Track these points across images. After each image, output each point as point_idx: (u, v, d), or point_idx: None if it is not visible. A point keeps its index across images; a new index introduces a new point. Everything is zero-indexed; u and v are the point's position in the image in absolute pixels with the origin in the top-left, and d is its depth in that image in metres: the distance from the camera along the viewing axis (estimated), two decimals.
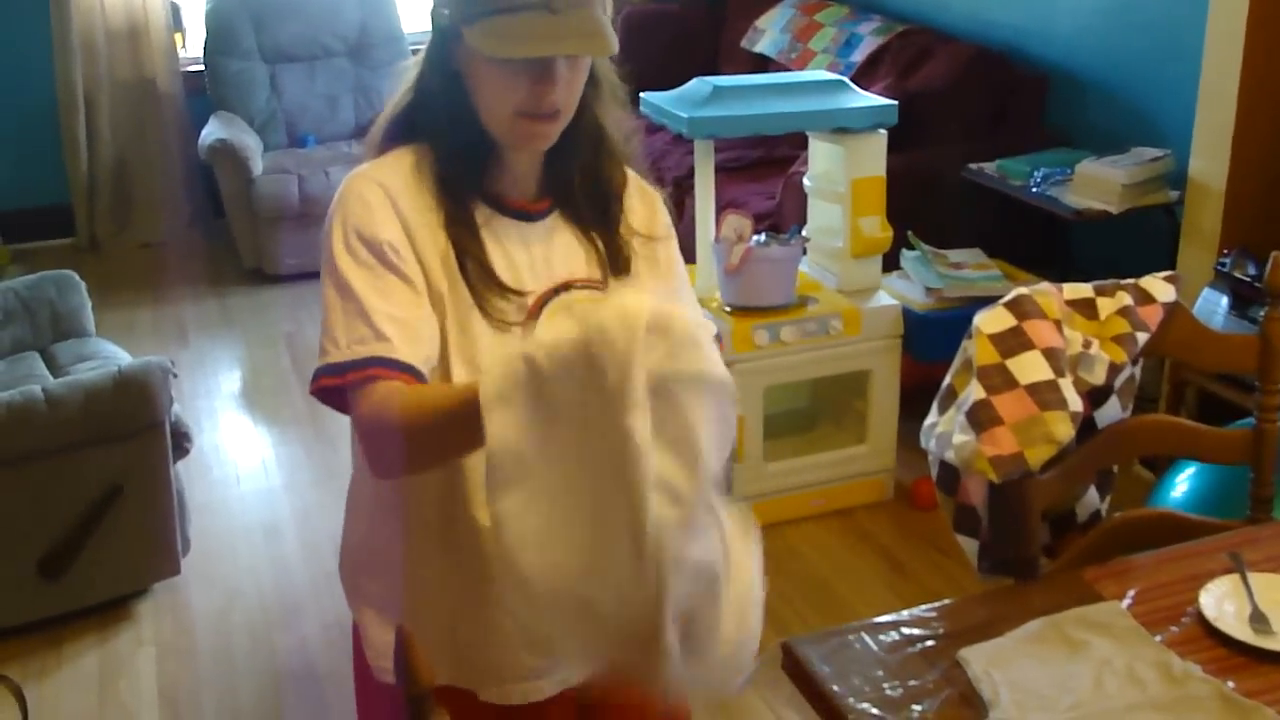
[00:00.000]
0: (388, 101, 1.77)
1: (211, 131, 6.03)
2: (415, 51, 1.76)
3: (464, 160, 1.68)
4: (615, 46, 1.62)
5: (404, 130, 1.73)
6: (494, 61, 1.59)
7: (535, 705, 1.81)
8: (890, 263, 4.06)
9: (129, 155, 6.53)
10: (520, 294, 1.69)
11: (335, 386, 1.59)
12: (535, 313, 1.69)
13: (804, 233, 3.84)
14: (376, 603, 1.83)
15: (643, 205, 1.83)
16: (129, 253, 6.55)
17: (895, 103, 3.82)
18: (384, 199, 1.65)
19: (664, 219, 1.85)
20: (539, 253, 1.72)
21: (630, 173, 1.83)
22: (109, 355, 3.82)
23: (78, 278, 4.18)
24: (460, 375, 1.66)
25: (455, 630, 1.76)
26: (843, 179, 3.81)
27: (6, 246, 6.10)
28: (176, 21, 6.66)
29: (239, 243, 6.15)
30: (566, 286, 1.73)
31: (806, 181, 4.02)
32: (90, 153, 6.43)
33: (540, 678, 1.79)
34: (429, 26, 1.70)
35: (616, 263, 1.78)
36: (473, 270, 1.66)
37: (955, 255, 4.13)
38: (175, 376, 3.42)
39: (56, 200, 6.51)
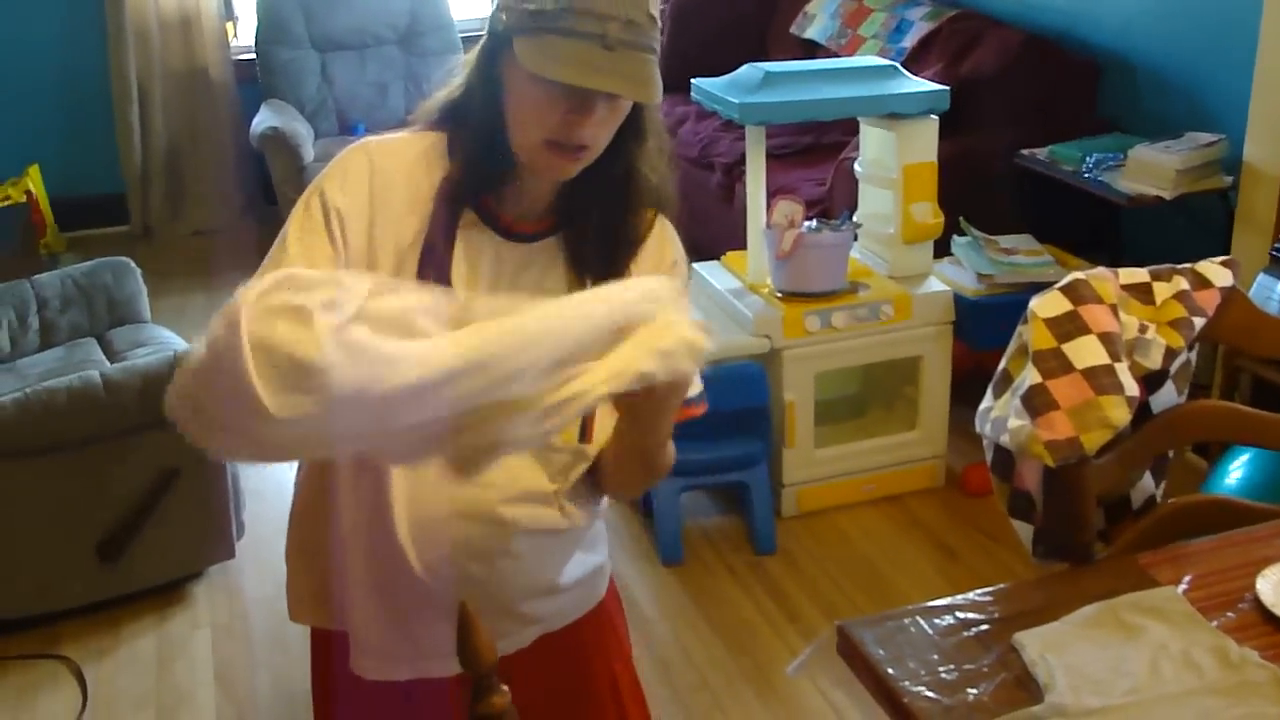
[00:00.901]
0: (438, 89, 1.75)
1: (263, 120, 6.07)
2: (465, 40, 1.73)
3: (477, 169, 1.64)
4: (659, 96, 1.58)
5: (440, 120, 1.71)
6: (535, 80, 1.53)
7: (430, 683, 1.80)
8: (941, 249, 4.05)
9: (182, 143, 6.59)
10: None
11: None
12: None
13: (855, 218, 3.84)
14: (302, 550, 1.91)
15: (655, 254, 1.75)
16: (182, 240, 6.61)
17: (947, 88, 3.81)
18: (364, 173, 1.63)
19: (670, 269, 1.76)
20: (508, 274, 1.67)
21: (659, 227, 1.76)
22: (165, 341, 3.86)
23: (133, 264, 4.22)
24: None
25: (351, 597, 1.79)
26: (894, 164, 3.80)
27: (62, 234, 6.16)
28: (228, 10, 6.72)
29: None
30: None
31: (858, 167, 4.01)
32: (144, 141, 6.49)
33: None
34: (486, 27, 1.67)
35: None
36: (430, 276, 1.61)
37: (1006, 241, 4.11)
38: None
39: (110, 189, 6.57)
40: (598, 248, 1.69)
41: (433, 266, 1.61)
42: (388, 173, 1.64)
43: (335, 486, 1.70)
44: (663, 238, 1.76)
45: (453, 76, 1.72)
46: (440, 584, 1.69)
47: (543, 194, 1.67)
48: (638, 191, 1.69)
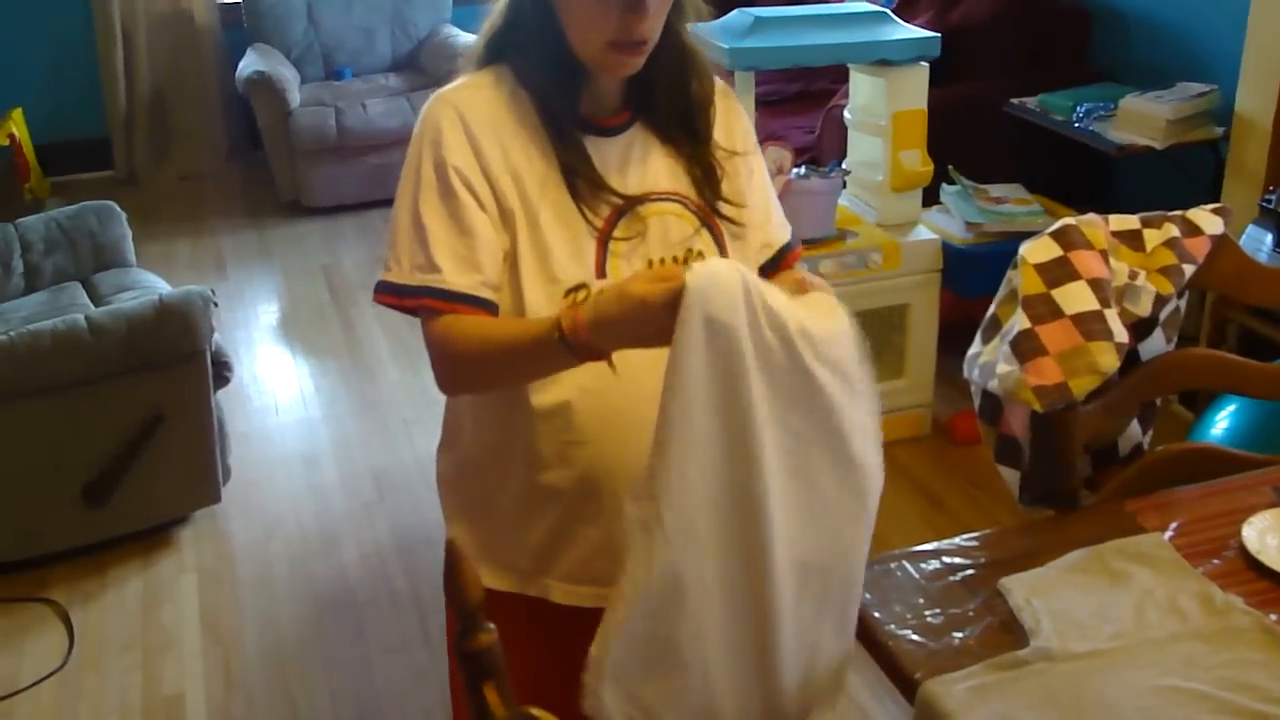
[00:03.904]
0: (484, 20, 1.80)
1: (248, 64, 6.03)
2: None
3: (555, 86, 1.71)
4: None
5: (497, 50, 1.77)
6: None
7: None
8: (930, 197, 4.03)
9: (166, 88, 6.54)
10: (621, 196, 1.74)
11: (396, 306, 1.70)
12: (609, 227, 1.72)
13: (844, 166, 3.82)
14: (463, 515, 1.90)
15: (724, 118, 1.86)
16: (167, 185, 6.57)
17: (938, 34, 3.78)
18: (456, 123, 1.69)
19: (743, 132, 1.88)
20: (614, 164, 1.75)
21: (721, 85, 1.86)
22: (149, 285, 3.84)
23: (118, 208, 4.20)
24: (533, 292, 1.69)
25: (535, 537, 1.80)
26: (884, 112, 3.78)
27: (46, 179, 6.12)
28: None
29: (276, 175, 6.16)
30: (641, 199, 1.75)
31: (847, 114, 3.99)
32: (128, 86, 6.44)
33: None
34: None
35: (705, 177, 1.81)
36: (582, 187, 1.71)
37: (996, 190, 4.10)
38: (216, 306, 3.43)
39: (95, 133, 6.53)
40: (675, 123, 1.80)
41: (582, 180, 1.71)
42: (477, 116, 1.70)
43: (519, 431, 1.74)
44: (728, 108, 1.87)
45: (496, 4, 1.77)
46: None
47: (615, 89, 1.76)
48: (694, 62, 1.80)
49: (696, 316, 1.39)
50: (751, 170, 1.88)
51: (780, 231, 1.92)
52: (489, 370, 1.67)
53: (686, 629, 1.48)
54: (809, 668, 1.62)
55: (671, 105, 1.79)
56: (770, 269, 1.88)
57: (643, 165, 1.77)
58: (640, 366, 1.58)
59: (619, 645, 1.47)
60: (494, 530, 1.84)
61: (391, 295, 1.70)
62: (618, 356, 1.57)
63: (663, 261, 1.73)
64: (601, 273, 1.70)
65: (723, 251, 1.77)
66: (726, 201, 1.80)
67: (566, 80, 1.71)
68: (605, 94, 1.75)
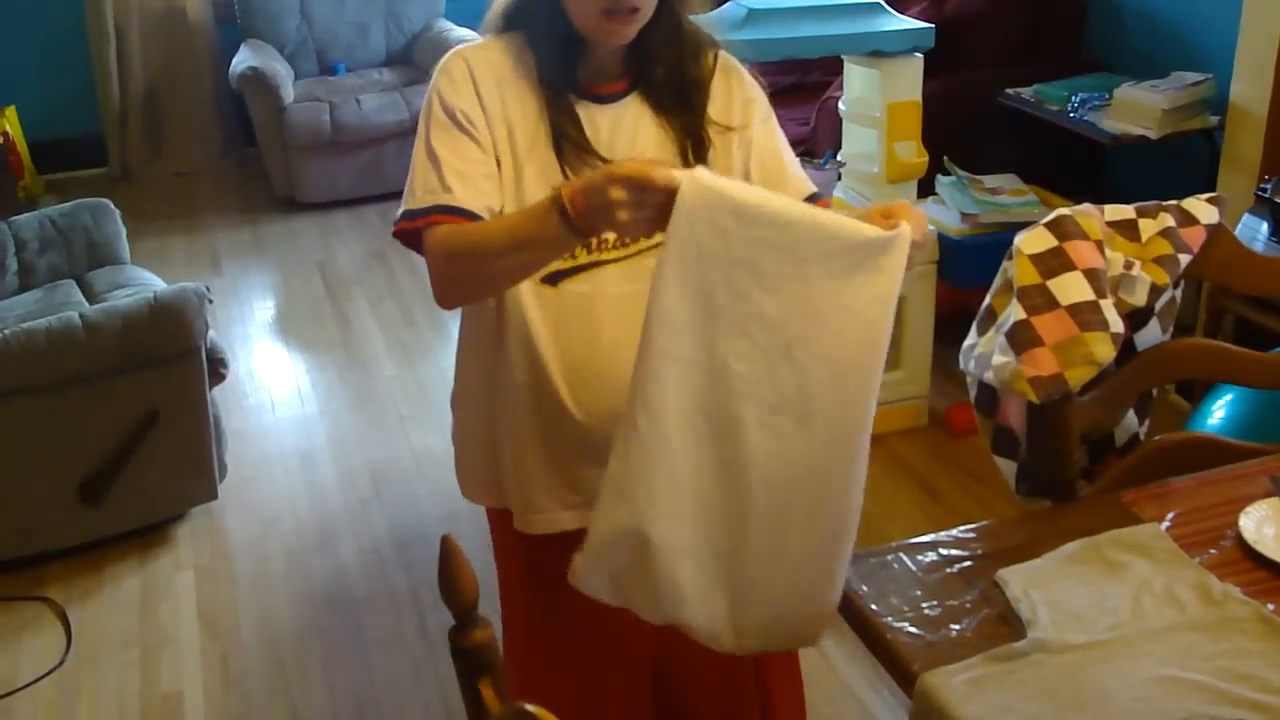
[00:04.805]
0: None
1: (242, 60, 6.01)
2: None
3: (556, 52, 1.84)
4: None
5: (509, 20, 1.90)
6: None
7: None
8: (925, 188, 4.03)
9: (160, 84, 6.53)
10: (605, 161, 1.83)
11: (410, 229, 1.81)
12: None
13: (839, 158, 3.81)
14: (458, 439, 2.12)
15: (722, 92, 1.94)
16: (161, 182, 6.56)
17: (932, 26, 3.77)
18: (466, 74, 1.84)
19: (743, 104, 1.95)
20: (604, 130, 1.87)
21: (724, 61, 1.96)
22: (144, 282, 3.84)
23: (112, 206, 4.19)
24: None
25: (514, 461, 1.97)
26: (878, 103, 3.77)
27: (40, 177, 6.11)
28: None
29: (270, 171, 6.15)
30: None
31: (841, 106, 3.98)
32: (121, 82, 6.43)
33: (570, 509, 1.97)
34: None
35: (695, 148, 1.90)
36: (568, 149, 1.83)
37: (991, 181, 4.10)
38: (211, 302, 3.43)
39: (88, 130, 6.52)
40: (671, 95, 1.90)
41: (569, 143, 1.84)
42: (485, 71, 1.85)
43: (499, 354, 1.91)
44: (729, 84, 1.95)
45: None
46: (597, 425, 1.85)
47: (612, 59, 1.87)
48: (690, 38, 1.91)
49: (684, 222, 1.50)
50: (750, 142, 1.94)
51: (799, 188, 1.98)
52: (483, 260, 1.74)
53: (659, 529, 1.60)
54: (787, 600, 1.70)
55: (667, 78, 1.88)
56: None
57: (633, 133, 1.88)
58: (621, 341, 1.73)
59: (602, 532, 1.62)
60: (478, 453, 2.04)
61: (406, 221, 1.81)
62: (598, 328, 1.77)
63: None
64: None
65: None
66: None
67: (565, 49, 1.83)
68: (603, 64, 1.86)
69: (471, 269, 1.75)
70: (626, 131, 1.87)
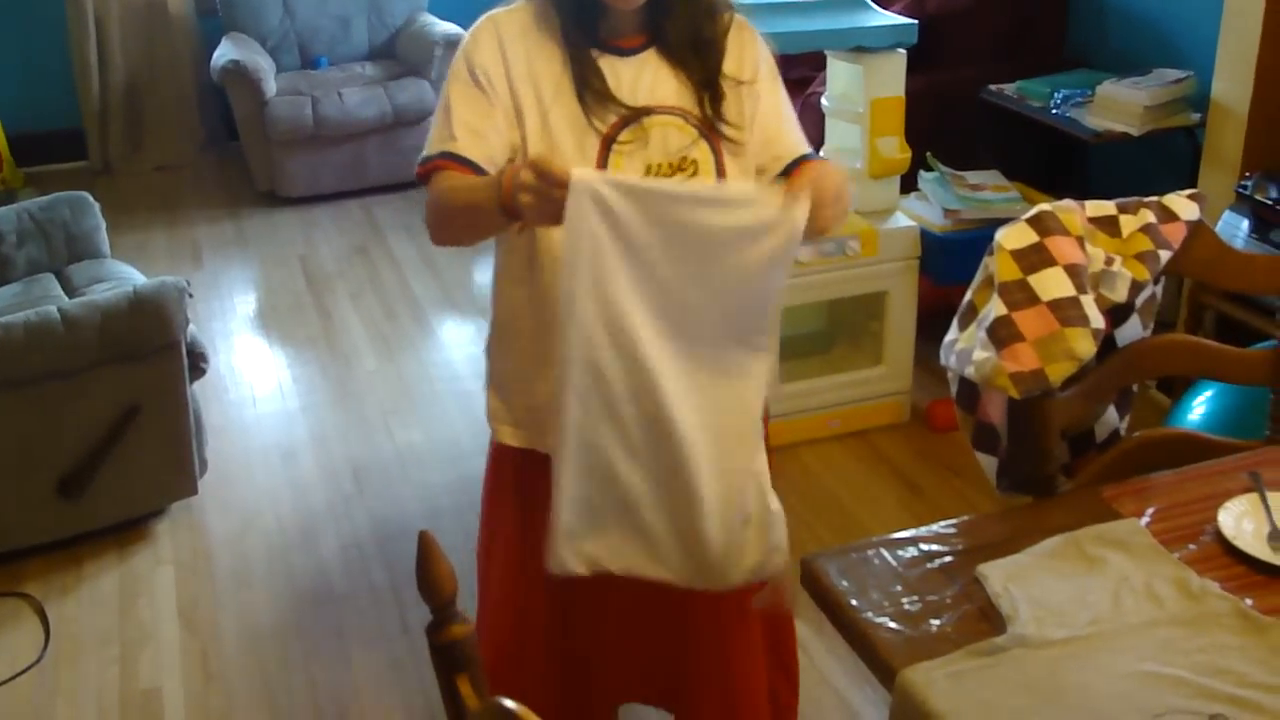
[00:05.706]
0: None
1: (224, 53, 5.98)
2: None
3: (576, 13, 1.96)
4: None
5: None
6: None
7: None
8: (908, 184, 4.03)
9: (141, 77, 6.50)
10: (627, 108, 1.97)
11: (423, 173, 1.98)
12: (614, 132, 1.95)
13: (821, 153, 3.81)
14: (491, 381, 2.21)
15: (735, 49, 2.04)
16: (142, 175, 6.53)
17: (915, 22, 3.78)
18: (492, 35, 1.98)
19: (753, 61, 2.06)
20: (626, 80, 1.98)
21: (739, 21, 2.07)
22: (124, 276, 3.82)
23: (92, 199, 4.16)
24: None
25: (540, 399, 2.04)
26: (861, 99, 3.77)
27: (19, 170, 6.08)
28: None
29: (252, 165, 6.13)
30: (647, 111, 1.96)
31: (825, 102, 3.98)
32: (102, 75, 6.39)
33: None
34: None
35: (711, 98, 2.00)
36: (590, 97, 1.95)
37: (974, 177, 4.10)
38: (191, 297, 3.41)
39: (68, 123, 6.48)
40: (686, 51, 2.00)
41: (591, 92, 1.95)
42: (510, 30, 1.98)
43: (534, 285, 2.02)
44: (741, 40, 2.06)
45: None
46: None
47: (630, 18, 1.97)
48: (706, 5, 2.01)
49: (576, 209, 1.65)
50: (759, 96, 2.05)
51: (793, 147, 2.09)
52: (446, 215, 1.95)
53: (614, 493, 1.80)
54: (742, 527, 1.84)
55: (680, 37, 1.99)
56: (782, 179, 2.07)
57: (653, 83, 1.99)
58: None
59: (565, 510, 1.79)
60: (511, 394, 2.15)
61: (420, 166, 1.98)
62: None
63: (660, 167, 1.97)
64: (603, 168, 1.94)
65: (719, 162, 2.00)
66: (727, 123, 2.00)
67: (584, 9, 1.95)
68: (622, 22, 1.97)
69: (441, 220, 1.96)
70: (647, 81, 1.99)
